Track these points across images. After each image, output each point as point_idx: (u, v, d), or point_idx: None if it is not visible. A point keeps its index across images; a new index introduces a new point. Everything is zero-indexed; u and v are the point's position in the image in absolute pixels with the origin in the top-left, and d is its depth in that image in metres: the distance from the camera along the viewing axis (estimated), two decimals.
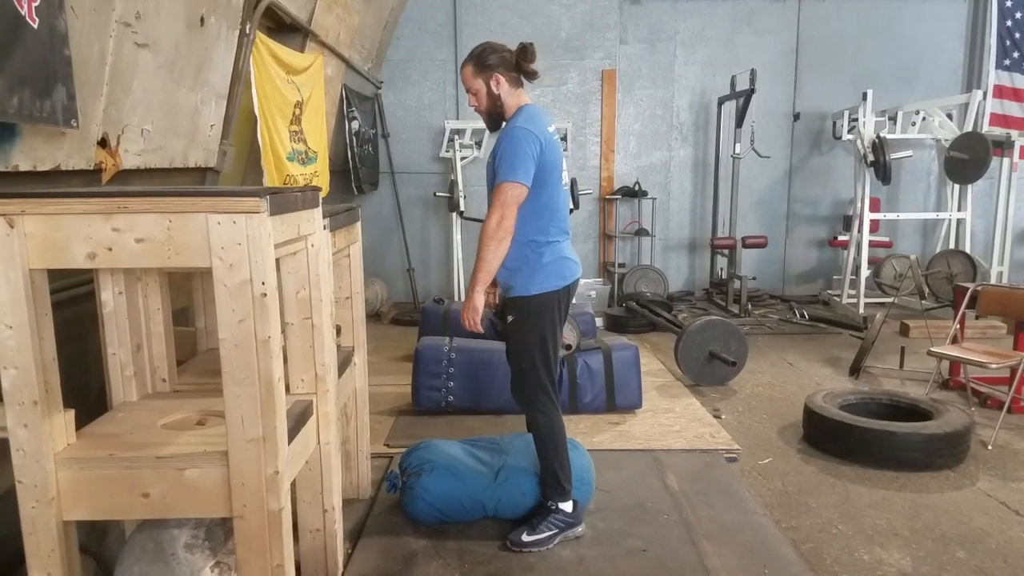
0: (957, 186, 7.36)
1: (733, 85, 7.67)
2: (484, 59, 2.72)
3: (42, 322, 1.77)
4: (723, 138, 7.96)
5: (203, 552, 2.09)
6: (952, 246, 7.45)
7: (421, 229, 8.12)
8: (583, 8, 7.86)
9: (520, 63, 2.73)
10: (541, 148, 2.66)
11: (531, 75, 2.77)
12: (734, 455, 3.75)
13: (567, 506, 2.86)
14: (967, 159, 6.74)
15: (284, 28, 4.76)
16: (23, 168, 2.22)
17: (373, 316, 7.10)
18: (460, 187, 7.20)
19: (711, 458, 3.69)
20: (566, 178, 2.91)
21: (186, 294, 3.07)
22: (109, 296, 2.28)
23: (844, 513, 3.17)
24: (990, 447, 3.85)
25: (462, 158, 7.40)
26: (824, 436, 3.82)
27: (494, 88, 2.73)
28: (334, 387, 2.44)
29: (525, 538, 2.81)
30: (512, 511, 2.97)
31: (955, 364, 4.74)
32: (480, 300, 2.72)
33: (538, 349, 2.78)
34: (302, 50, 5.02)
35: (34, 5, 2.04)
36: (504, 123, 2.79)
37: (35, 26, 2.06)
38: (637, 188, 7.98)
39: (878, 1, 7.99)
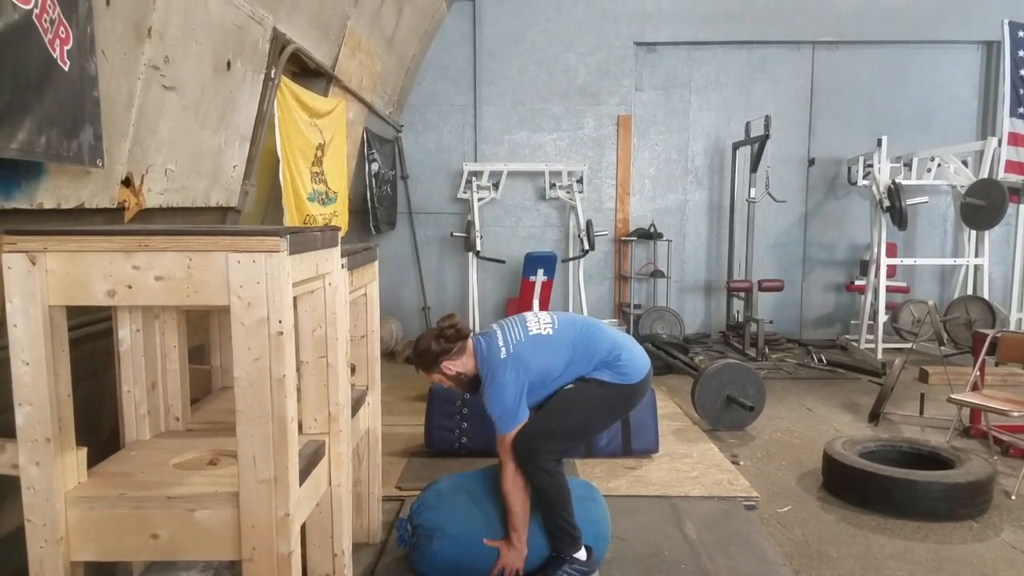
0: (974, 232, 7.32)
1: (748, 131, 7.72)
2: (426, 359, 2.85)
3: (59, 358, 1.77)
4: (738, 182, 7.98)
5: None
6: (970, 292, 7.37)
7: (437, 268, 8.15)
8: (599, 56, 7.99)
9: (456, 334, 2.84)
10: (517, 374, 2.74)
11: (464, 333, 2.87)
12: (753, 503, 3.67)
13: (580, 554, 2.79)
14: (983, 205, 6.70)
15: (308, 73, 4.86)
16: (47, 206, 2.26)
17: (388, 355, 7.09)
18: (477, 227, 7.24)
19: (729, 506, 3.61)
20: (544, 330, 2.89)
21: (203, 332, 3.08)
22: (127, 333, 2.29)
23: (866, 564, 3.08)
24: (1014, 497, 3.75)
25: (479, 199, 7.47)
26: (844, 484, 3.74)
27: (453, 371, 2.86)
28: (347, 427, 2.42)
29: None
30: (527, 566, 2.87)
31: (976, 412, 4.64)
32: (524, 548, 2.78)
33: (579, 424, 2.83)
34: (325, 94, 5.12)
35: (66, 48, 2.10)
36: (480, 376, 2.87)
37: (66, 68, 2.11)
38: (652, 230, 7.99)
39: (892, 49, 8.07)
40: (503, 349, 2.79)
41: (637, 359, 2.90)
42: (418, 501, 3.02)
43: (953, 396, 4.33)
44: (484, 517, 2.91)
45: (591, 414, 2.86)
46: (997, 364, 5.32)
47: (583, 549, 2.80)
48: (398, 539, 2.99)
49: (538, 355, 2.79)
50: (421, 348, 2.86)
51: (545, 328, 2.87)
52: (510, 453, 2.73)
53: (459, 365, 2.85)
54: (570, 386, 2.83)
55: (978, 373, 4.57)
